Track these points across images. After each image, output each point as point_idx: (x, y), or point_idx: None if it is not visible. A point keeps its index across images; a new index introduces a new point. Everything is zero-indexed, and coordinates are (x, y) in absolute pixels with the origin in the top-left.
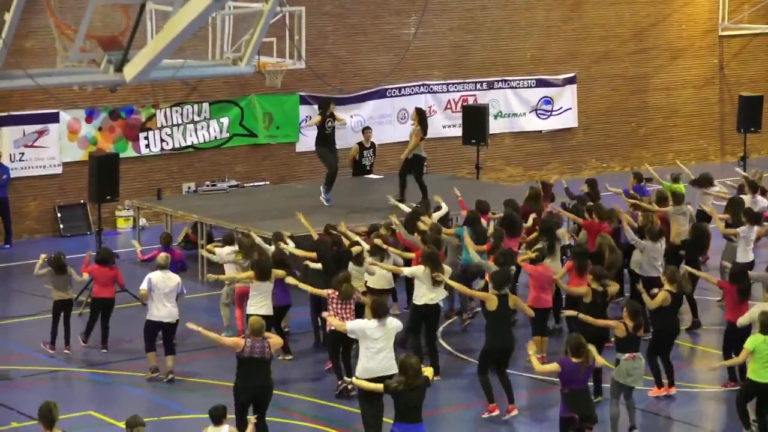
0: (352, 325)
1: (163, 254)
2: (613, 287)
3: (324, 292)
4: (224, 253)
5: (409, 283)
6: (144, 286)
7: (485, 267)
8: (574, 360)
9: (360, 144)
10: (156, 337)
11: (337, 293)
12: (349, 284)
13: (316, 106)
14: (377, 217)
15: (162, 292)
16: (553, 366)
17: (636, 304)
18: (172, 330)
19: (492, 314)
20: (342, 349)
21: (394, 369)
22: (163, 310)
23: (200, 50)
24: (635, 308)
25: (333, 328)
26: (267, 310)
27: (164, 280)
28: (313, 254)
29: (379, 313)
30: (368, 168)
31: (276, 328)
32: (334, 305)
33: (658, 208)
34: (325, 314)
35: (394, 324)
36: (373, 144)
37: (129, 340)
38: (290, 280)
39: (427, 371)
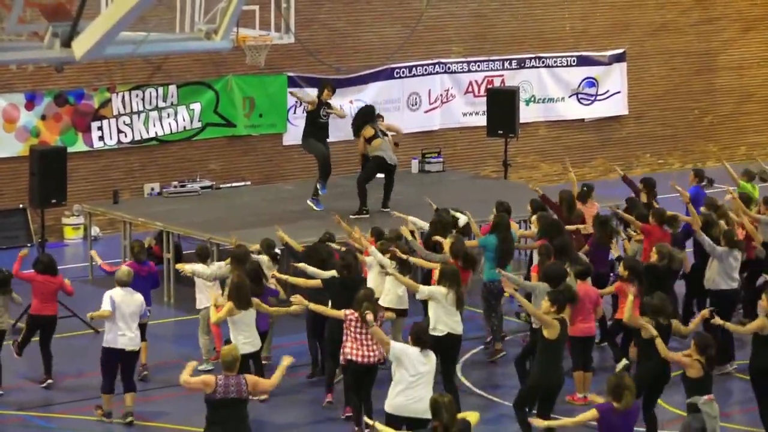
0: (397, 347)
1: (125, 268)
2: (683, 327)
3: (341, 312)
4: (206, 272)
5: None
6: (107, 306)
7: (528, 288)
8: (616, 406)
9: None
10: (116, 372)
11: (357, 314)
12: (372, 303)
13: (308, 90)
14: (383, 225)
15: (124, 313)
16: (591, 413)
17: (707, 337)
18: (134, 360)
19: (550, 344)
20: (365, 387)
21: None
22: (124, 336)
23: (166, 21)
24: (705, 341)
25: (351, 358)
26: (253, 345)
27: (126, 299)
28: (317, 282)
29: (422, 341)
30: None
31: (255, 364)
32: (353, 329)
33: (753, 215)
34: (370, 322)
35: (434, 356)
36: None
37: (77, 375)
38: (297, 300)
39: (472, 416)
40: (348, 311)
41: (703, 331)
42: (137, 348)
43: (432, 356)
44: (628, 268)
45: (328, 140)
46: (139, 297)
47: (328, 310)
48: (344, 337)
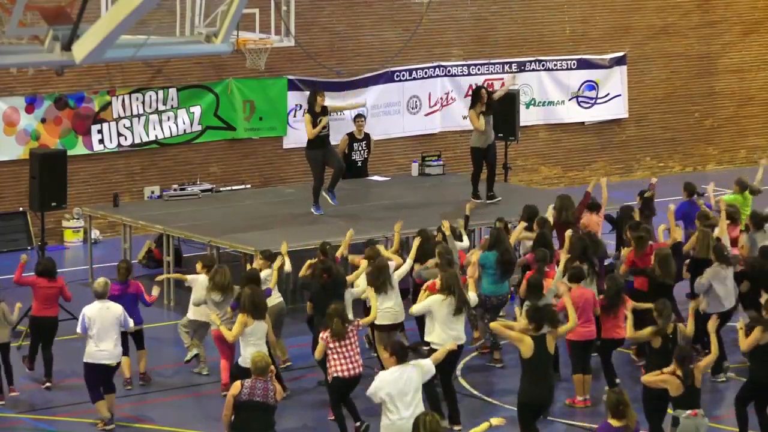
0: (372, 389)
1: (100, 280)
2: (687, 329)
3: (321, 346)
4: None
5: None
6: (78, 327)
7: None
8: (614, 424)
9: (351, 135)
10: (100, 383)
11: (328, 333)
12: (340, 321)
13: (308, 93)
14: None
15: (102, 327)
16: None
17: (686, 349)
18: (113, 372)
19: (527, 362)
20: (348, 394)
21: None
22: (102, 351)
23: (166, 24)
24: (683, 354)
25: (336, 375)
26: None
27: (102, 312)
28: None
29: (400, 358)
30: (359, 164)
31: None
32: (332, 346)
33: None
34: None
35: (420, 370)
36: (367, 136)
37: (78, 378)
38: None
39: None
40: (322, 334)
41: (683, 344)
42: (116, 362)
43: (410, 368)
44: (607, 289)
45: (330, 144)
46: (117, 308)
47: (316, 354)
48: (328, 356)
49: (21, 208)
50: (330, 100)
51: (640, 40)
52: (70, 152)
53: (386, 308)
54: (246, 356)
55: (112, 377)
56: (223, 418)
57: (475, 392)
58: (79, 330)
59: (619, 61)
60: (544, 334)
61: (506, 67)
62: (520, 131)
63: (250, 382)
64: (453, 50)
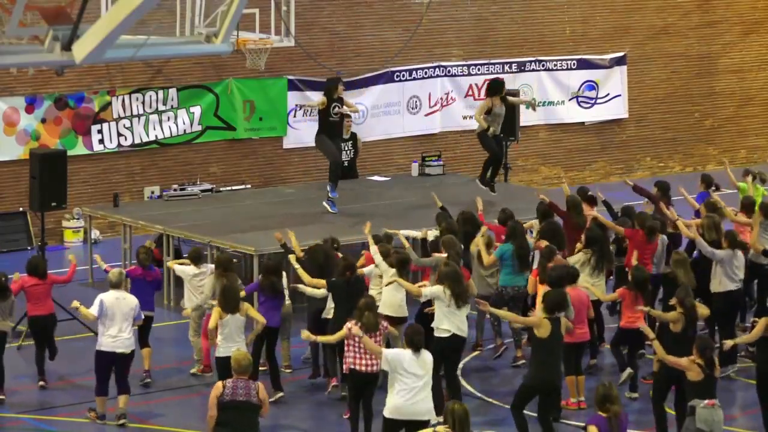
0: (390, 353)
1: (115, 270)
2: (703, 310)
3: (343, 332)
4: (189, 273)
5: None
6: (94, 310)
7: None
8: (603, 415)
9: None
10: (110, 375)
11: (359, 325)
12: (373, 313)
13: (308, 93)
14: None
15: (116, 316)
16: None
17: (707, 339)
18: (127, 363)
19: (542, 343)
20: (365, 396)
21: (431, 414)
22: (116, 339)
23: (166, 24)
24: (705, 344)
25: (353, 367)
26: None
27: (118, 301)
28: (322, 282)
29: (416, 344)
30: (346, 164)
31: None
32: (354, 339)
33: (744, 219)
34: (357, 334)
35: (431, 357)
36: (353, 135)
37: (78, 377)
38: (305, 336)
39: None
40: (349, 323)
41: (702, 334)
42: (129, 351)
43: (427, 357)
44: (634, 278)
45: (342, 137)
46: (132, 300)
47: (332, 337)
48: (346, 347)
49: (21, 208)
50: None
51: (640, 40)
52: (70, 152)
53: (397, 300)
54: (219, 347)
55: (127, 373)
56: (208, 420)
57: (476, 392)
58: (95, 313)
59: (619, 61)
60: (558, 317)
61: (506, 67)
62: (520, 131)
63: (231, 382)
64: (453, 50)
